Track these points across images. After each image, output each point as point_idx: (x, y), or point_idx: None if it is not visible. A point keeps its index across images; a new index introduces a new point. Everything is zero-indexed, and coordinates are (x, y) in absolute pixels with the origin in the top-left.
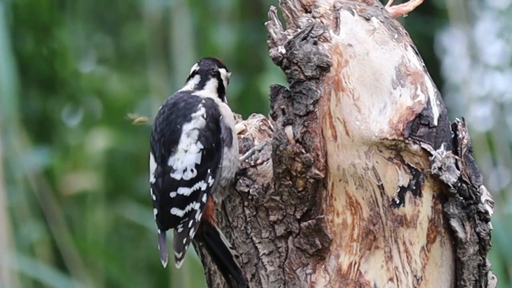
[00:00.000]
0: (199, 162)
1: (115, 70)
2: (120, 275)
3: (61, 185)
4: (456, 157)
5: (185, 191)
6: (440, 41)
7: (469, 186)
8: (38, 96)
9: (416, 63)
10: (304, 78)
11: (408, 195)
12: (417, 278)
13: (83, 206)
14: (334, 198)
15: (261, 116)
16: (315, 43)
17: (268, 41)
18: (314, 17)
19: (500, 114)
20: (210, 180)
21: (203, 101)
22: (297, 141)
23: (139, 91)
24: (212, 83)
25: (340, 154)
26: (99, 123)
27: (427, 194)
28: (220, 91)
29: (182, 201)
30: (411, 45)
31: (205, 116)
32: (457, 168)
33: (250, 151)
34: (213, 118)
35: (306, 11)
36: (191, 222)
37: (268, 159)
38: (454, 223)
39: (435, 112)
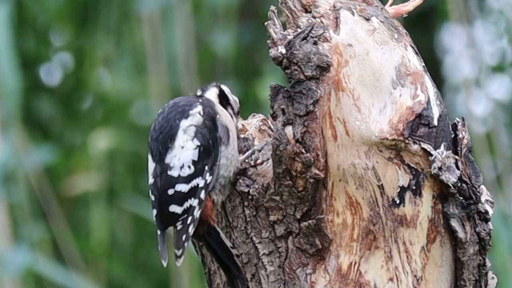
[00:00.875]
0: (196, 159)
1: (115, 69)
2: (123, 275)
3: (64, 186)
4: (456, 157)
5: (182, 187)
6: (440, 41)
7: (469, 186)
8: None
9: (416, 63)
10: (304, 78)
11: (408, 195)
12: (417, 278)
13: (85, 207)
14: (334, 198)
15: (261, 116)
16: (315, 43)
17: (268, 41)
18: (314, 17)
19: (500, 114)
20: (208, 177)
21: (201, 99)
22: (297, 141)
23: (139, 91)
24: (213, 91)
25: (340, 154)
26: (100, 123)
27: (427, 194)
28: (223, 102)
29: (180, 198)
30: (411, 45)
31: (201, 113)
32: (457, 168)
33: (250, 151)
34: (210, 116)
35: (306, 11)
36: (189, 218)
37: (268, 159)
38: (454, 223)
39: (435, 112)
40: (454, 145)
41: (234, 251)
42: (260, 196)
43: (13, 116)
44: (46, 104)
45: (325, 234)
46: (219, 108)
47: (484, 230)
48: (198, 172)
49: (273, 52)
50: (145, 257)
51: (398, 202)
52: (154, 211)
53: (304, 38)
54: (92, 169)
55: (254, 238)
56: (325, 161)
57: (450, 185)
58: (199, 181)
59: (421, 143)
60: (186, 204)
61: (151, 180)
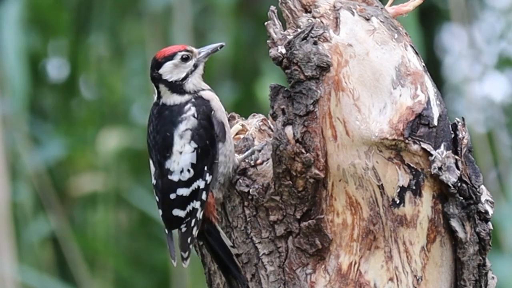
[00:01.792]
0: (194, 161)
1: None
2: (129, 275)
3: (70, 186)
4: (456, 157)
5: (184, 191)
6: (440, 41)
7: (469, 186)
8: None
9: (416, 63)
10: (304, 78)
11: (408, 195)
12: (417, 278)
13: (92, 207)
14: (334, 198)
15: (261, 116)
16: (315, 43)
17: (268, 41)
18: (314, 17)
19: (500, 115)
20: (208, 177)
21: (192, 99)
22: (297, 141)
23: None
24: (162, 88)
25: (340, 154)
26: (105, 122)
27: (427, 194)
28: (174, 82)
29: (182, 202)
30: (411, 45)
31: (196, 115)
32: (457, 168)
33: (250, 151)
34: (205, 115)
35: (306, 11)
36: (193, 221)
37: (268, 159)
38: (454, 223)
39: (435, 112)
40: (454, 145)
41: (234, 251)
42: (260, 196)
43: (20, 114)
44: (50, 99)
45: (325, 234)
46: (212, 100)
47: (484, 230)
48: (198, 174)
49: (273, 52)
50: (148, 257)
51: (398, 202)
52: (160, 211)
53: (304, 38)
54: (99, 169)
55: (254, 238)
56: (325, 161)
57: (450, 185)
58: (200, 183)
59: (421, 143)
60: (189, 207)
61: (153, 181)
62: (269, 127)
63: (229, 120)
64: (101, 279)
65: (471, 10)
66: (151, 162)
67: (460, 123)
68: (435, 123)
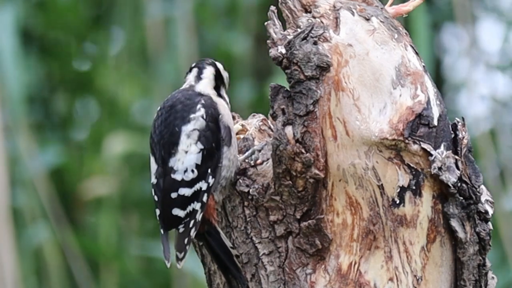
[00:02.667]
0: (199, 162)
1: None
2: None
3: (77, 191)
4: (456, 157)
5: (186, 191)
6: (440, 41)
7: (469, 186)
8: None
9: (416, 63)
10: (304, 78)
11: (408, 195)
12: (417, 278)
13: (98, 211)
14: (334, 198)
15: (261, 116)
16: (315, 43)
17: (268, 41)
18: (314, 17)
19: (501, 115)
20: (211, 180)
21: (202, 101)
22: (297, 141)
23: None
24: (209, 71)
25: (340, 154)
26: (109, 126)
27: (427, 194)
28: (218, 83)
29: (183, 202)
30: (411, 45)
31: (204, 116)
32: (457, 168)
33: (250, 151)
34: (213, 117)
35: (306, 11)
36: (192, 222)
37: (268, 159)
38: (454, 223)
39: (435, 112)
40: (454, 145)
41: (234, 252)
42: (260, 196)
43: (20, 119)
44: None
45: (325, 234)
46: (220, 106)
47: (484, 230)
48: (201, 175)
49: (273, 52)
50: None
51: (398, 202)
52: (157, 211)
53: (304, 38)
54: (106, 173)
55: (254, 238)
56: (325, 161)
57: (450, 185)
58: (202, 185)
59: (421, 143)
60: (189, 208)
61: (154, 180)
62: (269, 127)
63: None
64: (106, 282)
65: (472, 10)
66: (152, 159)
67: (460, 123)
68: (435, 123)
